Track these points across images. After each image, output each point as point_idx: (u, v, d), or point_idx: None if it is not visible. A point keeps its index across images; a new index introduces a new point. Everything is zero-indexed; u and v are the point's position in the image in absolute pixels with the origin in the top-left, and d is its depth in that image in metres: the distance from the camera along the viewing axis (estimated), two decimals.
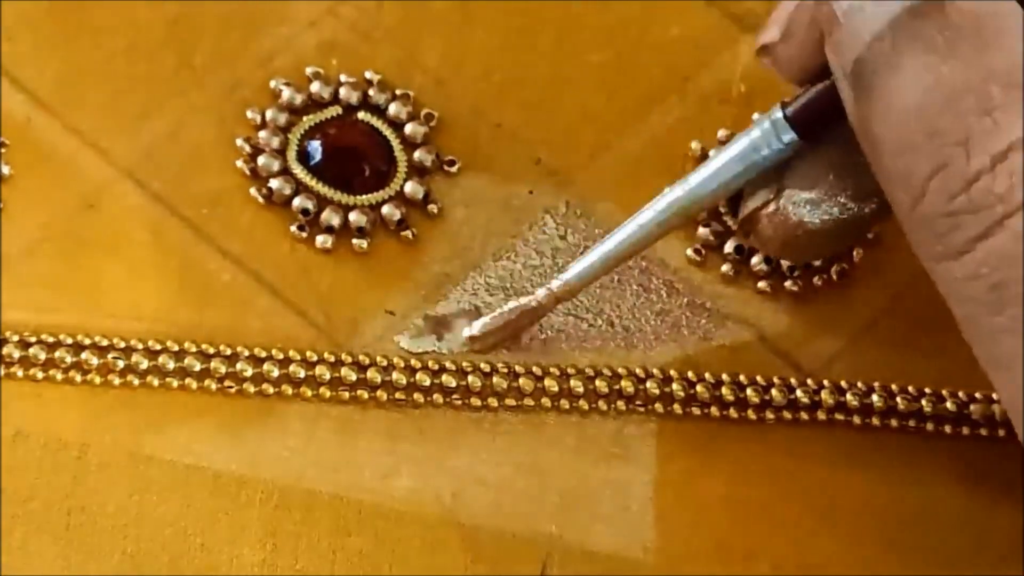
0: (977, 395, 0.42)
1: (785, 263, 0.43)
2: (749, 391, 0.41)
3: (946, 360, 0.42)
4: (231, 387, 0.40)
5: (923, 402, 0.41)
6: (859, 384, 0.41)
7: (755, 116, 0.44)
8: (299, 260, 0.42)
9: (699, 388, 0.41)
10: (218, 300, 0.41)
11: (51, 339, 0.40)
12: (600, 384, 0.41)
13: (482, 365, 0.41)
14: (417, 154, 0.43)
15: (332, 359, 0.40)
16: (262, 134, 0.43)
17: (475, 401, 0.40)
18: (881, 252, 0.43)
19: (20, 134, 0.43)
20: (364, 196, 0.43)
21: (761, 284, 0.43)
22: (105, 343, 0.40)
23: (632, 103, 0.45)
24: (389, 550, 0.38)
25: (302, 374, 0.40)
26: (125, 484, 0.38)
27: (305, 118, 0.44)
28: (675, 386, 0.41)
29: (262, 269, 0.42)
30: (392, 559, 0.38)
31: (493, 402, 0.40)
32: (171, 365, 0.40)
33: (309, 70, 0.44)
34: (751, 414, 0.41)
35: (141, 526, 0.38)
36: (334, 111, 0.44)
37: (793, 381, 0.41)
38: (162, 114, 0.44)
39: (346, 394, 0.40)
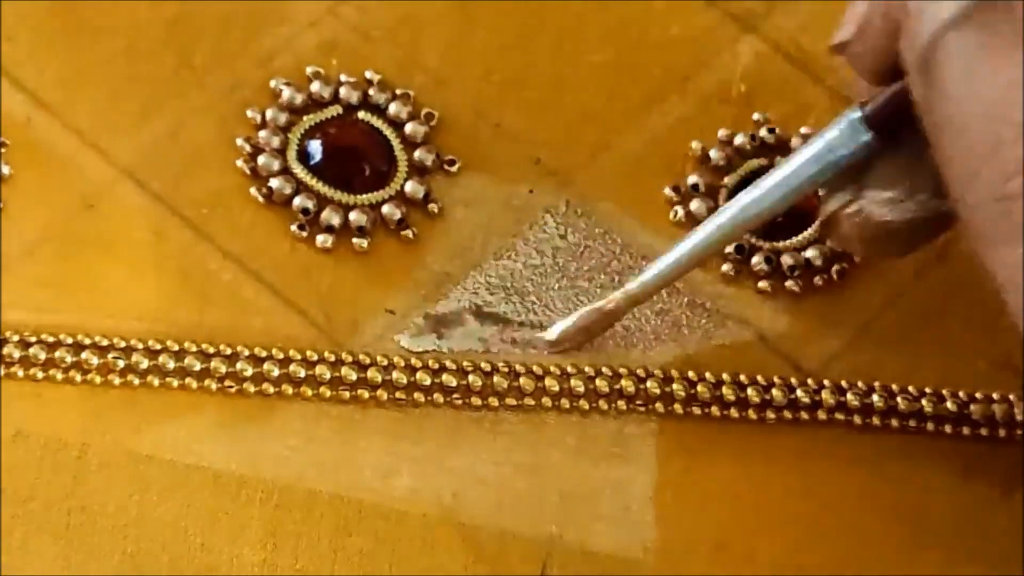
0: (977, 395, 0.42)
1: (785, 263, 0.43)
2: (750, 391, 0.41)
3: (946, 360, 0.42)
4: (231, 387, 0.40)
5: (923, 402, 0.41)
6: (859, 384, 0.41)
7: (839, 114, 0.40)
8: (299, 260, 0.42)
9: (699, 388, 0.41)
10: (218, 300, 0.41)
11: (51, 339, 0.40)
12: (600, 384, 0.41)
13: (483, 364, 0.41)
14: (417, 154, 0.43)
15: (332, 358, 0.40)
16: (262, 134, 0.43)
17: (475, 400, 0.40)
18: None
19: (20, 134, 0.43)
20: (364, 195, 0.43)
21: (761, 284, 0.43)
22: (105, 343, 0.40)
23: (632, 103, 0.45)
24: (389, 550, 0.38)
25: (302, 373, 0.40)
26: (125, 484, 0.38)
27: (305, 118, 0.44)
28: (675, 386, 0.41)
29: (262, 269, 0.42)
30: (392, 559, 0.38)
31: (493, 401, 0.40)
32: (171, 365, 0.40)
33: (309, 70, 0.44)
34: (751, 414, 0.41)
35: (141, 526, 0.38)
36: (334, 111, 0.44)
37: (793, 381, 0.41)
38: (162, 114, 0.44)
39: (346, 393, 0.40)
